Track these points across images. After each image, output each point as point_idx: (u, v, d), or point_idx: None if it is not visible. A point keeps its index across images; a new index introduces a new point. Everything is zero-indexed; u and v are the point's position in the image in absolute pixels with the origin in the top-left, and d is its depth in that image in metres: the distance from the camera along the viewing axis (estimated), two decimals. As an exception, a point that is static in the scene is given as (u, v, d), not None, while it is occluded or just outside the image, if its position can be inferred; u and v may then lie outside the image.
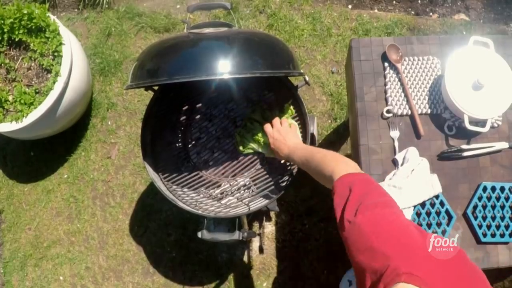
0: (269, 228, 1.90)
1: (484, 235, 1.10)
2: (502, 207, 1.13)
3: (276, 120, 1.21)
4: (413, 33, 2.06)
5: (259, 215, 1.87)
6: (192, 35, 1.07)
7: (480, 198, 1.13)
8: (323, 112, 2.01)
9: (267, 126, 1.21)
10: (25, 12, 1.69)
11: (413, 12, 2.16)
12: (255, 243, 1.87)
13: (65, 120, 1.91)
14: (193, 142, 1.43)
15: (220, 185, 1.37)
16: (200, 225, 1.74)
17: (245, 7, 2.20)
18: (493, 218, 1.12)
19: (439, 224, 1.11)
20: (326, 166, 0.85)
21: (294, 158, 1.06)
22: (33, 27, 1.73)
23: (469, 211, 1.12)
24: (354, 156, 1.25)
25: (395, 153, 1.17)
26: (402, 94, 1.21)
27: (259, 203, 1.24)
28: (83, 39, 2.26)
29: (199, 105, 1.44)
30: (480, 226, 1.11)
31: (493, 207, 1.13)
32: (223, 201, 1.32)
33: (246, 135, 1.32)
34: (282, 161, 1.32)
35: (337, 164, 0.83)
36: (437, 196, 1.12)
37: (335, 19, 2.13)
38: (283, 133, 1.16)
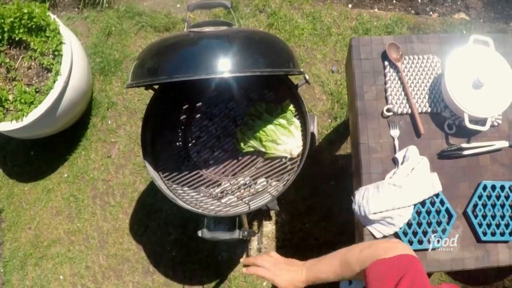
0: (269, 227, 1.90)
1: (484, 233, 1.10)
2: (502, 206, 1.13)
3: (261, 261, 0.95)
4: (413, 32, 2.06)
5: (259, 214, 1.87)
6: (192, 34, 1.07)
7: (480, 197, 1.13)
8: (323, 111, 2.01)
9: (264, 272, 0.93)
10: (25, 11, 1.69)
11: (413, 11, 2.16)
12: (255, 242, 1.87)
13: (65, 119, 1.91)
14: (193, 141, 1.43)
15: (220, 184, 1.37)
16: (200, 224, 1.74)
17: (245, 6, 2.20)
18: (493, 217, 1.12)
19: (439, 223, 1.11)
20: (369, 260, 0.77)
21: (319, 276, 0.88)
22: (33, 26, 1.73)
23: (469, 210, 1.12)
24: (354, 154, 1.25)
25: (395, 152, 1.17)
26: (402, 93, 1.21)
27: (259, 202, 1.24)
28: (83, 38, 2.26)
29: (199, 104, 1.44)
30: (480, 225, 1.11)
31: (493, 205, 1.13)
32: (223, 200, 1.32)
33: (247, 132, 1.32)
34: (283, 160, 1.32)
35: (384, 252, 0.76)
36: (437, 195, 1.12)
37: (335, 18, 2.13)
38: (282, 263, 0.95)
